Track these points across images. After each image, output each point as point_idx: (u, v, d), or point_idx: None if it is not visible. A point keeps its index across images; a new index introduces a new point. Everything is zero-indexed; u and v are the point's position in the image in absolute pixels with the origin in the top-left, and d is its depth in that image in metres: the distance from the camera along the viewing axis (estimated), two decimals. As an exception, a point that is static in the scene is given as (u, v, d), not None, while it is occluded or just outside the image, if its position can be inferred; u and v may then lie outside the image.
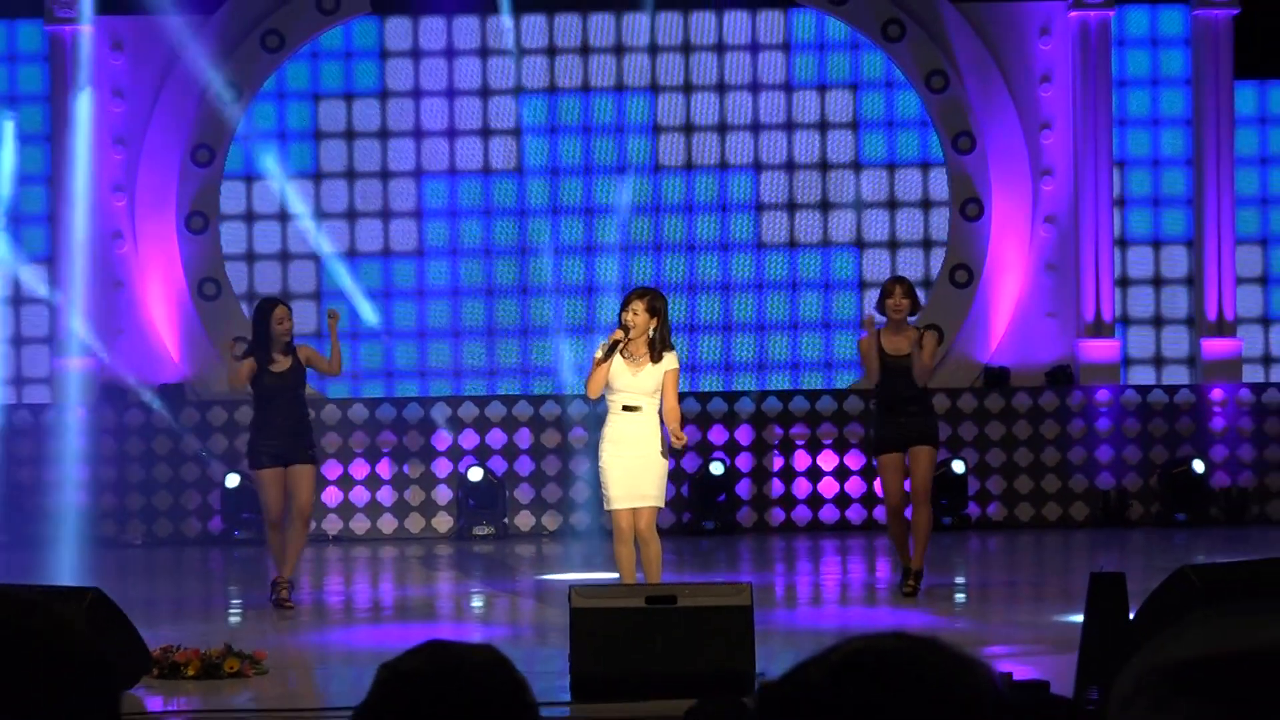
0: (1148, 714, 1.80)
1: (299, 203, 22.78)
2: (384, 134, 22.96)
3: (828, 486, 22.38)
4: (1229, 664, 1.79)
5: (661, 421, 15.14)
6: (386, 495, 22.29)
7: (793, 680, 2.24)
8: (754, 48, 23.10)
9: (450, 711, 3.21)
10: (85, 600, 12.16)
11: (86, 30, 22.54)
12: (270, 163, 22.70)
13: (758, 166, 23.03)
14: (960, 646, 2.39)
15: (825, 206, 22.99)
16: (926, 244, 22.76)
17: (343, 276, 22.17)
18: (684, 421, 16.14)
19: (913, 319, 16.34)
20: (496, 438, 22.36)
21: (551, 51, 23.01)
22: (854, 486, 22.33)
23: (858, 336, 17.61)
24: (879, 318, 16.43)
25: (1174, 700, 1.79)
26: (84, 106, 22.26)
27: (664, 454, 15.17)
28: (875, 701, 2.13)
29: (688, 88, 23.08)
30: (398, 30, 22.92)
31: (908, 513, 16.70)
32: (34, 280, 22.31)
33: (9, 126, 22.31)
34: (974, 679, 2.35)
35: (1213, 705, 1.77)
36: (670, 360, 14.81)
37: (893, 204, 23.04)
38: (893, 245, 22.67)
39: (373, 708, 3.27)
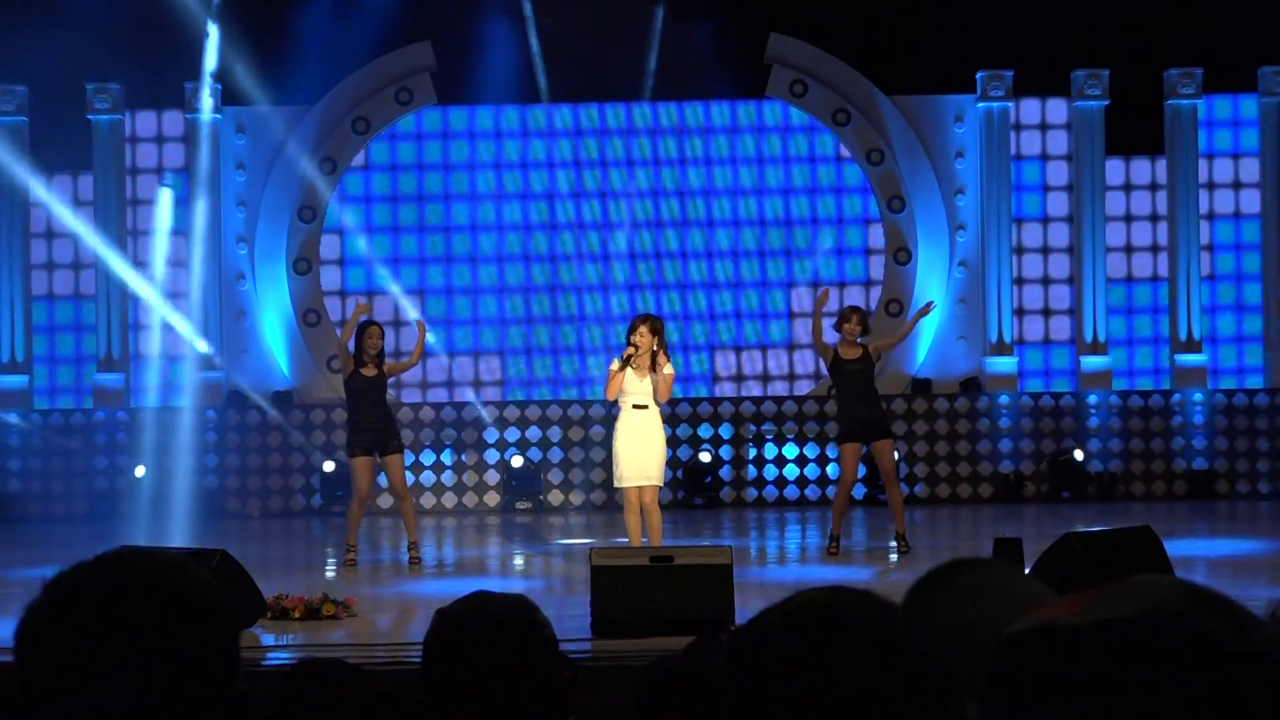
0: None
1: (380, 250, 22.89)
2: (446, 197, 22.96)
3: (790, 471, 22.45)
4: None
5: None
6: (448, 477, 22.38)
7: (755, 626, 2.43)
8: (734, 130, 23.11)
9: (489, 645, 3.49)
10: (214, 559, 12.30)
11: (217, 118, 22.61)
12: (358, 220, 22.81)
13: (736, 222, 23.05)
14: (887, 596, 2.64)
15: (788, 253, 23.06)
16: (868, 283, 22.77)
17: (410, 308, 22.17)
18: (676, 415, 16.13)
19: (862, 339, 16.44)
20: (533, 433, 22.38)
21: (576, 132, 23.07)
22: (810, 471, 22.41)
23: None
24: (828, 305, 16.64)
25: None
26: (214, 177, 22.28)
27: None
28: (821, 641, 2.28)
29: (683, 160, 23.09)
30: (457, 117, 22.97)
31: (855, 492, 16.90)
32: (178, 310, 22.25)
33: (168, 194, 22.34)
34: (896, 621, 2.56)
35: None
36: (667, 368, 15.03)
37: (840, 252, 23.12)
38: (842, 284, 22.65)
39: (432, 642, 3.57)
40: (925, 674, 2.25)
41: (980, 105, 22.84)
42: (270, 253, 22.73)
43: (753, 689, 2.24)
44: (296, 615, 13.61)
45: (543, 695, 3.52)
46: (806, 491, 22.32)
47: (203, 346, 22.14)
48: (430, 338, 17.84)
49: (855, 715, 2.31)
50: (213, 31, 21.56)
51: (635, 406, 15.50)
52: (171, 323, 22.10)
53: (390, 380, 17.09)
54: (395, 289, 22.40)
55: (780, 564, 17.47)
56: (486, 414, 22.21)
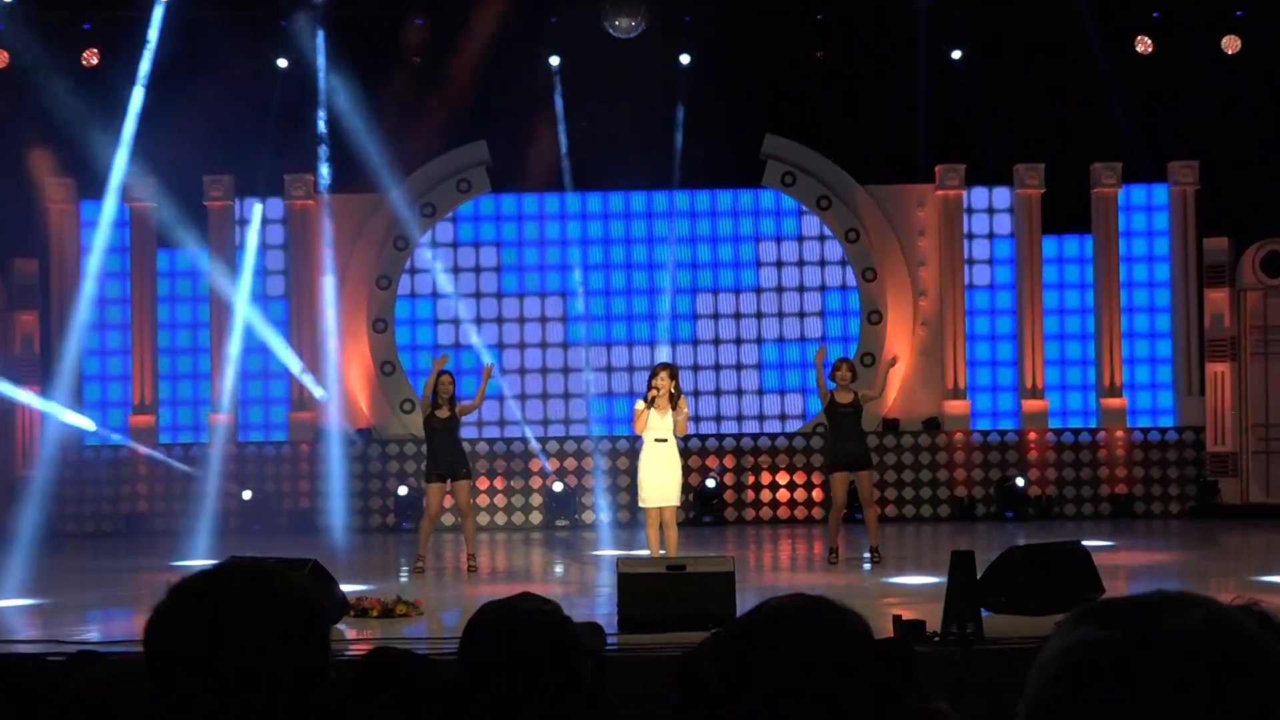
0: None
1: (444, 313, 22.94)
2: (498, 269, 23.06)
3: (783, 495, 22.46)
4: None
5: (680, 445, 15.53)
6: (500, 499, 22.42)
7: (732, 629, 2.45)
8: (735, 213, 23.13)
9: (521, 637, 3.49)
10: (307, 567, 12.34)
11: (311, 204, 22.71)
12: (426, 287, 22.88)
13: (738, 289, 23.06)
14: (843, 603, 2.63)
15: (780, 315, 23.07)
16: (845, 339, 22.76)
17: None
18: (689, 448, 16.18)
19: (852, 385, 16.62)
20: (570, 463, 22.45)
21: (604, 214, 23.10)
22: (800, 495, 22.41)
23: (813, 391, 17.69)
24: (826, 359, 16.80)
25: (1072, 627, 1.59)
26: (308, 253, 22.37)
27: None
28: (785, 640, 2.29)
29: (694, 238, 23.12)
30: (508, 202, 23.04)
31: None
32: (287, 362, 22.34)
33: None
34: (852, 624, 2.55)
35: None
36: (683, 406, 15.20)
37: (821, 314, 23.12)
38: (824, 340, 22.61)
39: (472, 631, 3.56)
40: (875, 665, 2.26)
41: (938, 193, 22.88)
42: (354, 314, 22.78)
43: (734, 680, 2.25)
44: (374, 614, 13.65)
45: (564, 675, 3.51)
46: (795, 512, 22.33)
47: (319, 392, 22.25)
48: (491, 384, 17.85)
49: (819, 700, 2.32)
50: (319, 135, 21.66)
51: (657, 440, 15.64)
52: (291, 370, 22.16)
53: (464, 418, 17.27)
54: (475, 339, 22.45)
55: (774, 571, 17.52)
56: (546, 462, 22.26)
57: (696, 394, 22.25)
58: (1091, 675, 1.55)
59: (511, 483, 22.53)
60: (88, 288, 22.19)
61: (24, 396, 21.58)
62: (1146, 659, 1.53)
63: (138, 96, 21.05)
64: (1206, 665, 1.52)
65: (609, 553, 17.63)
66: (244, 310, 22.24)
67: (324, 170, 22.08)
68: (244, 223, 22.68)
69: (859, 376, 18.05)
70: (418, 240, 22.88)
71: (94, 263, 22.27)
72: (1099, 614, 1.60)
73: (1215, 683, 1.52)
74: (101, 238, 21.96)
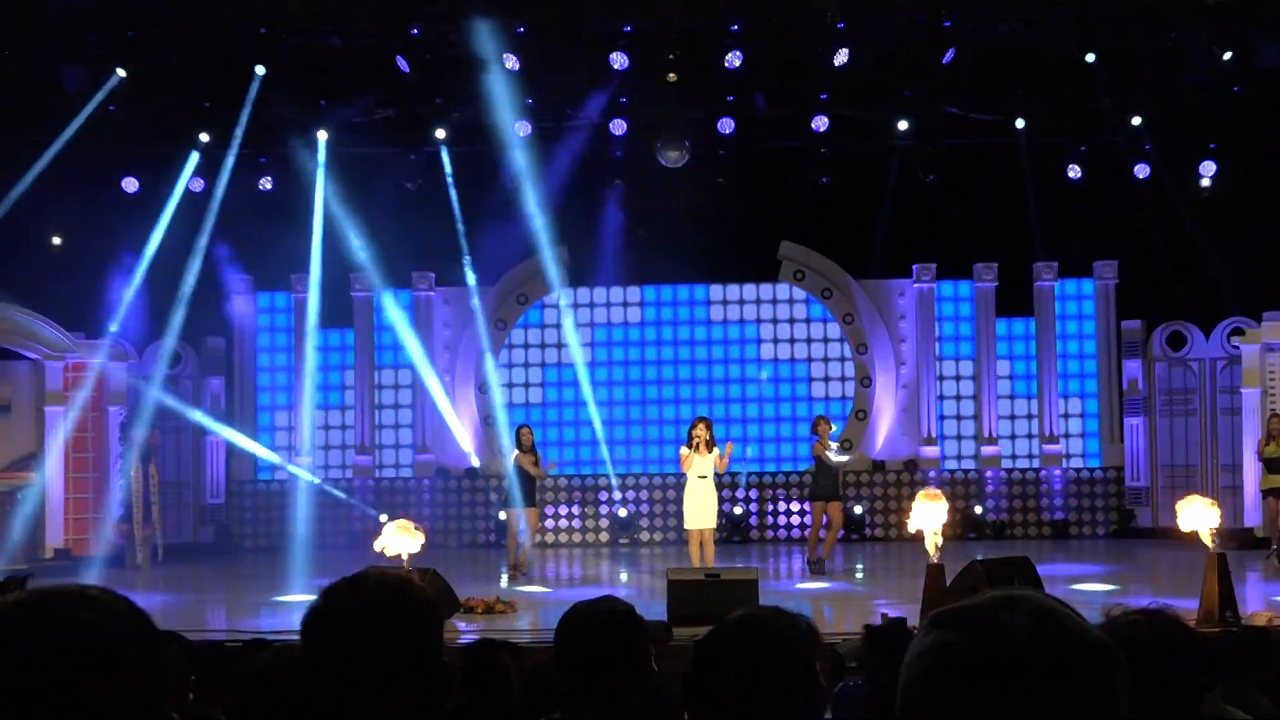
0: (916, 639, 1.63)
1: (534, 377, 22.99)
2: (559, 345, 23.09)
3: (795, 519, 22.38)
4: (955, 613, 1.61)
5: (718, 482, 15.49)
6: (576, 523, 22.40)
7: (712, 632, 2.44)
8: (758, 301, 23.14)
9: (606, 629, 3.47)
10: (428, 575, 12.34)
11: (431, 294, 22.83)
12: (520, 358, 22.95)
13: (759, 360, 23.05)
14: (790, 611, 2.65)
15: (797, 385, 23.06)
16: (844, 398, 22.73)
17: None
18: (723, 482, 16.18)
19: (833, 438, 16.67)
20: (631, 495, 22.45)
21: (658, 302, 23.13)
22: (809, 520, 22.36)
23: (811, 442, 17.71)
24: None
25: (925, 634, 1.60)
26: (429, 330, 22.46)
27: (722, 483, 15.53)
28: (742, 643, 2.28)
29: (725, 321, 23.14)
30: (582, 293, 23.07)
31: (821, 532, 17.19)
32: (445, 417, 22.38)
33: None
34: (799, 627, 2.54)
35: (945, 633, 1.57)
36: (716, 451, 15.29)
37: (827, 379, 23.09)
38: (827, 399, 22.61)
39: (563, 630, 3.54)
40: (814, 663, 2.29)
41: (915, 285, 22.82)
42: (464, 379, 22.85)
43: (710, 670, 2.27)
44: (479, 611, 13.70)
45: (639, 660, 3.52)
46: (805, 533, 22.12)
47: (468, 446, 22.35)
48: (546, 470, 17.88)
49: (776, 686, 2.34)
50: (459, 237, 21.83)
51: (699, 477, 15.78)
52: (449, 424, 22.23)
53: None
54: (593, 405, 22.49)
55: (788, 579, 17.41)
56: (618, 491, 22.26)
57: (724, 441, 22.23)
58: (940, 675, 1.54)
59: (585, 509, 22.50)
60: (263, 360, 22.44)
61: (235, 437, 21.89)
62: (982, 656, 1.51)
63: (319, 217, 21.31)
64: (1032, 654, 1.50)
65: (660, 564, 17.52)
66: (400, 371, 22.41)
67: (467, 269, 22.21)
68: (378, 309, 22.82)
69: (831, 427, 18.31)
70: (513, 322, 22.95)
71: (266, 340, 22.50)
72: (943, 621, 1.59)
73: (1041, 668, 1.49)
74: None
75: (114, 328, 20.41)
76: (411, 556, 13.10)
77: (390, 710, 2.34)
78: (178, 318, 20.84)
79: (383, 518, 20.90)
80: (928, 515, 13.07)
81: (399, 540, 13.04)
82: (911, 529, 13.34)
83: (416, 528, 13.24)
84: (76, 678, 1.70)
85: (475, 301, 22.26)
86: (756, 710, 2.49)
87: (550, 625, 12.92)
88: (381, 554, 13.51)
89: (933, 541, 12.71)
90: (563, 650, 3.52)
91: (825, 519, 17.47)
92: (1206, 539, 12.29)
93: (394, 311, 22.33)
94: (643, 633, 3.57)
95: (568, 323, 22.52)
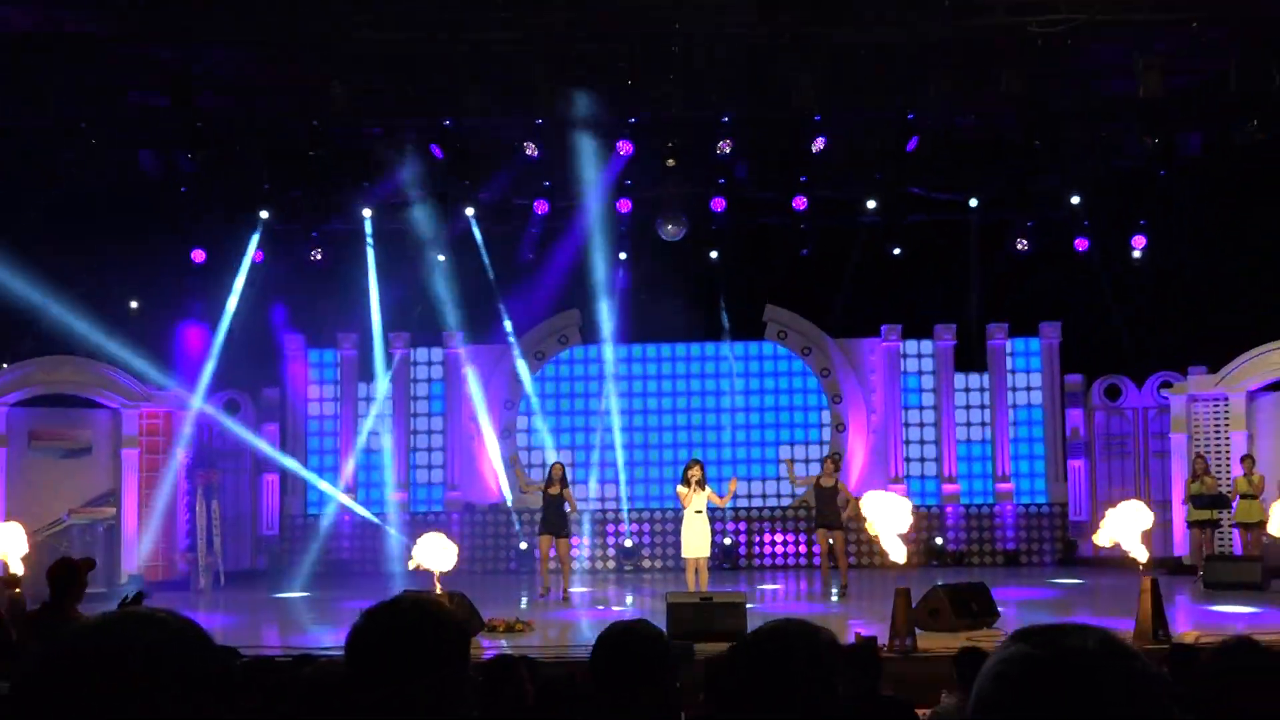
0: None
1: (550, 423, 22.96)
2: (586, 395, 23.08)
3: (780, 550, 22.30)
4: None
5: (711, 516, 15.41)
6: (589, 553, 22.29)
7: (744, 640, 2.43)
8: (746, 358, 23.12)
9: (629, 643, 3.46)
10: (457, 598, 12.29)
11: (459, 352, 22.84)
12: (537, 407, 22.92)
13: (747, 409, 23.02)
14: (813, 623, 2.62)
15: (777, 427, 23.02)
16: (822, 444, 22.67)
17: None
18: (714, 516, 16.10)
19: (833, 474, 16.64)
20: (634, 527, 22.37)
21: (659, 358, 23.13)
22: (790, 549, 22.26)
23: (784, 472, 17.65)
24: (798, 473, 16.75)
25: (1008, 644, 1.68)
26: (458, 384, 22.41)
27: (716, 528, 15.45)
28: (778, 648, 2.28)
29: (719, 376, 23.12)
30: (593, 350, 23.03)
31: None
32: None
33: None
34: (822, 637, 2.53)
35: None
36: (709, 489, 15.25)
37: (807, 425, 23.05)
38: (807, 444, 22.56)
39: (597, 649, 3.53)
40: (842, 664, 2.26)
41: (883, 344, 22.82)
42: (488, 424, 22.80)
43: (743, 676, 2.25)
44: (501, 629, 13.61)
45: (668, 676, 3.52)
46: (789, 561, 22.14)
47: (493, 484, 22.27)
48: (570, 508, 17.80)
49: (808, 687, 2.32)
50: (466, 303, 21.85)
51: (695, 511, 15.70)
52: (476, 464, 22.20)
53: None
54: (619, 448, 22.39)
55: (773, 602, 17.35)
56: (629, 546, 22.10)
57: (719, 480, 22.12)
58: (1024, 678, 1.61)
59: (595, 539, 22.40)
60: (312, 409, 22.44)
61: (303, 471, 22.07)
62: (1061, 667, 1.60)
63: (374, 285, 21.52)
64: (1099, 672, 1.59)
65: (660, 589, 17.45)
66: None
67: (506, 323, 22.22)
68: (414, 363, 22.84)
69: (839, 468, 18.34)
70: (532, 377, 22.94)
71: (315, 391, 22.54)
72: (1029, 636, 1.66)
73: (1105, 683, 1.60)
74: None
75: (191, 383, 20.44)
76: (442, 578, 13.07)
77: (422, 717, 2.32)
78: (238, 371, 21.12)
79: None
80: (884, 510, 12.86)
81: (434, 552, 12.99)
82: (873, 530, 13.18)
83: (449, 539, 13.30)
84: (146, 688, 1.72)
85: (514, 353, 22.30)
86: (782, 712, 2.48)
87: (561, 642, 12.82)
88: (416, 570, 13.49)
89: (893, 541, 12.58)
90: (599, 662, 3.52)
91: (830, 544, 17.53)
92: (1137, 543, 12.20)
93: (424, 367, 22.33)
94: (670, 653, 3.59)
95: (608, 369, 22.47)
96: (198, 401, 20.29)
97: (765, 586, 19.52)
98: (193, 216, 20.47)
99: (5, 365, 19.26)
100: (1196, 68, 17.46)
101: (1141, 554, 12.32)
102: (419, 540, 13.57)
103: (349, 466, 22.51)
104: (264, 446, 21.89)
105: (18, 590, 10.14)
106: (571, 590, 17.53)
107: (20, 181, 18.17)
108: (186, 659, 1.77)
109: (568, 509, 17.49)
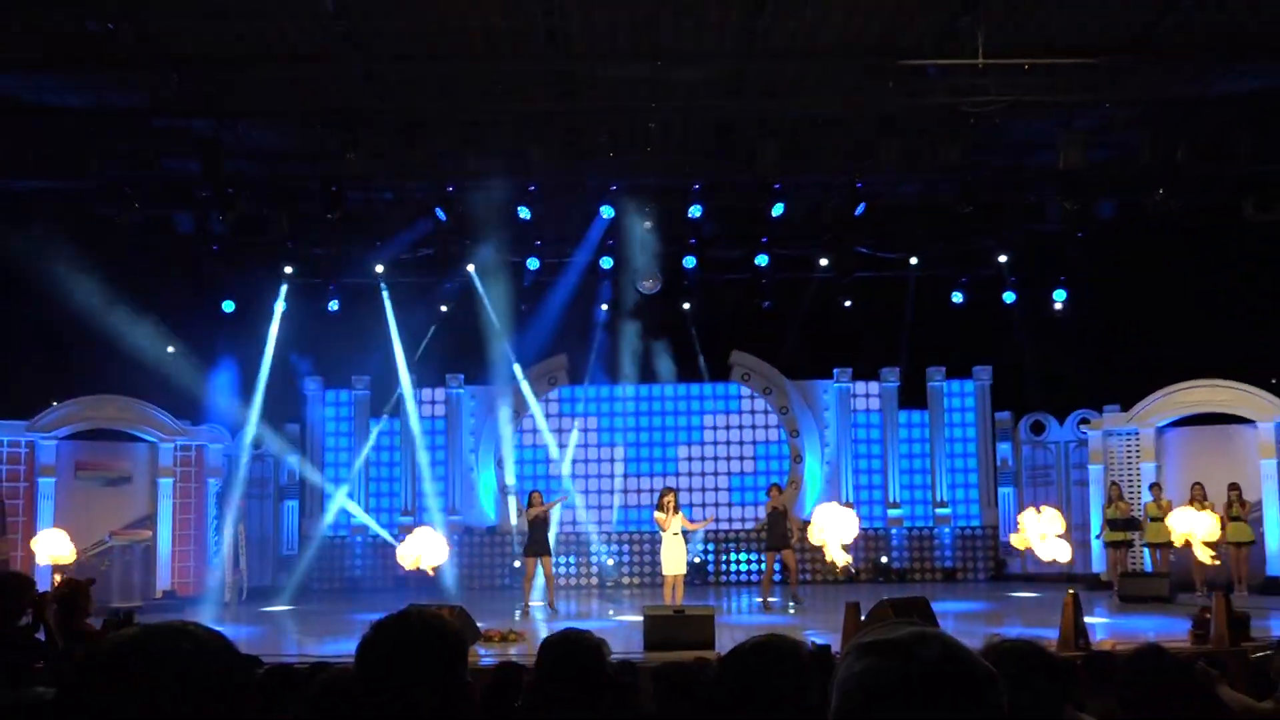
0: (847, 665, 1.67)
1: (540, 455, 22.87)
2: (562, 430, 23.02)
3: (745, 567, 22.20)
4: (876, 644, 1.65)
5: (686, 538, 15.31)
6: (574, 571, 22.16)
7: (732, 653, 2.40)
8: (714, 398, 23.08)
9: (573, 653, 3.45)
10: (456, 611, 12.18)
11: (461, 392, 22.76)
12: (530, 441, 22.81)
13: (715, 443, 22.97)
14: (794, 636, 2.59)
15: (742, 460, 22.97)
16: (780, 473, 22.63)
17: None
18: (691, 536, 16.08)
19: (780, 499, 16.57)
20: (615, 549, 22.25)
21: (638, 397, 22.98)
22: (755, 567, 22.16)
23: (763, 503, 17.60)
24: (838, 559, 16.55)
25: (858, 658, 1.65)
26: (459, 422, 22.32)
27: (691, 543, 15.32)
28: (764, 659, 2.25)
29: (690, 413, 23.05)
30: (579, 390, 22.94)
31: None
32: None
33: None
34: (804, 649, 2.51)
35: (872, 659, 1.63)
36: (681, 515, 15.17)
37: (768, 457, 22.98)
38: (768, 474, 22.52)
39: (543, 652, 3.49)
40: (817, 676, 2.23)
41: (835, 385, 22.83)
42: (485, 457, 22.72)
43: (732, 686, 2.22)
44: (496, 640, 13.51)
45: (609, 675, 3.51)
46: (753, 577, 22.04)
47: (489, 509, 22.13)
48: (556, 509, 17.74)
49: (790, 695, 2.29)
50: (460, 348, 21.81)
51: (672, 534, 15.59)
52: (473, 491, 22.08)
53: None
54: (565, 471, 22.31)
55: (739, 614, 17.20)
56: (611, 565, 21.98)
57: (691, 507, 22.08)
58: (870, 692, 1.58)
59: (578, 558, 22.24)
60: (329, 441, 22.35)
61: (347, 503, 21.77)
62: (908, 678, 1.56)
63: (395, 334, 21.67)
64: (944, 679, 1.57)
65: (639, 602, 17.34)
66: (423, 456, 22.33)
67: (515, 366, 22.13)
68: (421, 403, 22.77)
69: (783, 493, 18.39)
70: (523, 414, 22.84)
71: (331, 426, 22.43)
72: (871, 650, 1.62)
73: (949, 689, 1.57)
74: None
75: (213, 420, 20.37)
76: (440, 584, 12.98)
77: (426, 718, 2.30)
78: (263, 408, 21.09)
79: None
80: (833, 521, 12.81)
81: (425, 547, 12.87)
82: (815, 539, 13.01)
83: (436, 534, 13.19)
84: (177, 694, 1.73)
85: (509, 392, 22.23)
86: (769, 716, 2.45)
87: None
88: (416, 571, 13.32)
89: (840, 555, 12.55)
90: (539, 667, 3.51)
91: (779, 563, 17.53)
92: (1055, 543, 12.19)
93: (428, 405, 22.29)
94: (600, 655, 3.58)
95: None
96: (250, 432, 20.15)
97: (732, 602, 19.43)
98: (223, 271, 20.48)
99: (56, 403, 19.16)
100: (1111, 143, 17.62)
101: (1063, 552, 12.28)
102: (408, 537, 13.47)
103: (363, 492, 22.45)
104: (315, 477, 21.79)
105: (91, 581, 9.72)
106: (558, 603, 17.46)
107: (70, 239, 18.15)
108: (213, 667, 1.77)
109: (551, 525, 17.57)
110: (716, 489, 22.78)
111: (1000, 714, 1.59)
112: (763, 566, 20.19)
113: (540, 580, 17.29)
